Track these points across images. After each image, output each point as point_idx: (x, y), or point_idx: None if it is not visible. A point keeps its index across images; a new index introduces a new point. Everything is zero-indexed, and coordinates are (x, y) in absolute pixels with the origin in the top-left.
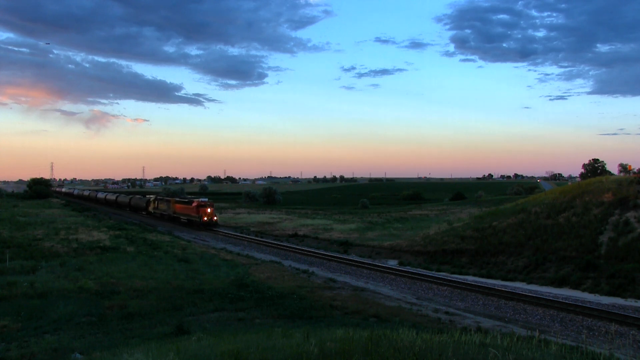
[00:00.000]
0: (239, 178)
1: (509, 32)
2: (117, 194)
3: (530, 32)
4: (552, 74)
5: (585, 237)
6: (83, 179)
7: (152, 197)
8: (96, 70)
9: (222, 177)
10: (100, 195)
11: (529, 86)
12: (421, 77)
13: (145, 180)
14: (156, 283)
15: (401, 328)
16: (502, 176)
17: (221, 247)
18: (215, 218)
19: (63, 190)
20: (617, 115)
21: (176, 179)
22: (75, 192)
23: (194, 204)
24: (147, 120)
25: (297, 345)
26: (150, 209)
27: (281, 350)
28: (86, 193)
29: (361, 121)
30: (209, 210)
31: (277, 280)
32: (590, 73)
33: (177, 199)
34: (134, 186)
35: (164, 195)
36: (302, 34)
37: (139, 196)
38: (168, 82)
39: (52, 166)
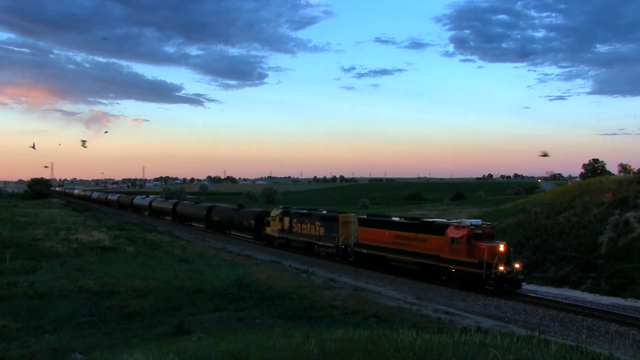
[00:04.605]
0: (239, 178)
1: (508, 33)
2: (176, 201)
3: (529, 32)
4: (552, 74)
5: (585, 237)
6: (83, 179)
7: (278, 210)
8: (96, 71)
9: (222, 177)
10: (140, 200)
11: (528, 86)
12: (421, 77)
13: (145, 180)
14: (156, 283)
15: (401, 328)
16: (502, 176)
17: (221, 247)
18: (517, 265)
19: (75, 192)
20: (617, 115)
21: (176, 179)
22: (94, 195)
23: (457, 233)
24: (147, 120)
25: (297, 345)
26: (273, 231)
27: (281, 350)
28: (113, 197)
29: (361, 121)
30: (501, 248)
31: (277, 280)
32: (590, 73)
33: (364, 217)
34: (134, 186)
35: (299, 209)
36: (302, 34)
37: (230, 207)
38: (168, 82)
39: (52, 166)
